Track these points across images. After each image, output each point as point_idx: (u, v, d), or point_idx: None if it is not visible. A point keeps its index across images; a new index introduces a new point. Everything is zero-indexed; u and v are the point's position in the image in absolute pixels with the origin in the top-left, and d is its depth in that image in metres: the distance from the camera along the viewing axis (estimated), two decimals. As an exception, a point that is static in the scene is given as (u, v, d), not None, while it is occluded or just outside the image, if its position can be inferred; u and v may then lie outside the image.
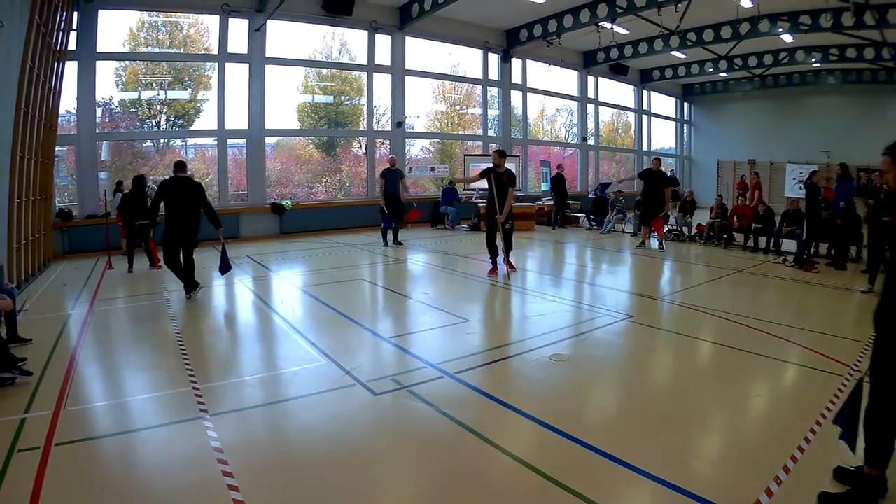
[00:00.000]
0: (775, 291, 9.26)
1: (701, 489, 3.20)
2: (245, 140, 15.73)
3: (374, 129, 18.38)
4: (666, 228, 14.04)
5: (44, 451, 3.61)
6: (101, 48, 13.28)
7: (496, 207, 9.52)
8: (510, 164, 11.60)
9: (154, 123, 15.14)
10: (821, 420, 4.07)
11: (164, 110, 15.20)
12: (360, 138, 18.61)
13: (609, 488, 3.31)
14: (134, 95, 14.75)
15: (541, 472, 3.39)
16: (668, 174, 14.92)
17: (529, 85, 22.48)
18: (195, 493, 3.22)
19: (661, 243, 13.21)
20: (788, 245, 12.05)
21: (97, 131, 13.67)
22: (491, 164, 9.75)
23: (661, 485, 3.24)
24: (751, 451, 3.73)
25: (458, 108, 21.60)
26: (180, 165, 8.27)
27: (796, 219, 11.91)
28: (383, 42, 17.92)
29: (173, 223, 7.91)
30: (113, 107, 14.47)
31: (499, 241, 9.76)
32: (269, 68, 15.74)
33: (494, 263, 9.90)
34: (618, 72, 25.29)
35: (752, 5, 15.12)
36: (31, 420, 4.12)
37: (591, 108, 25.25)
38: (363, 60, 17.78)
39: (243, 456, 3.61)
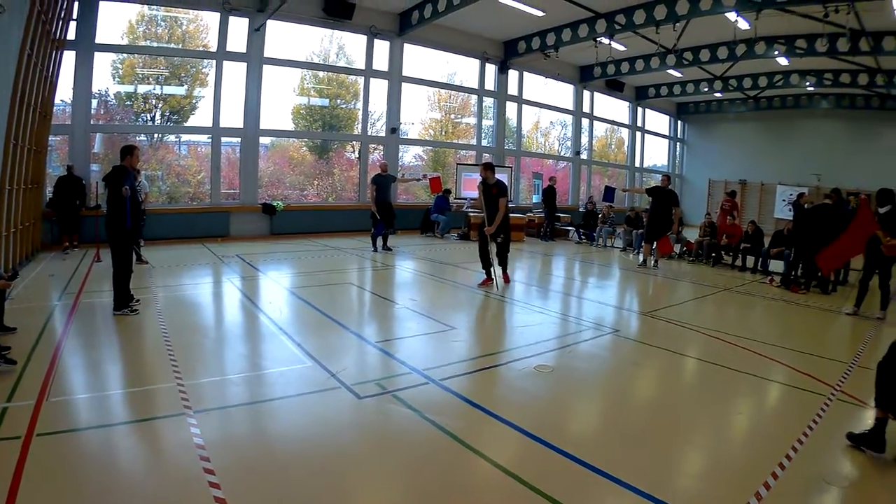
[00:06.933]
0: (761, 311, 9.33)
1: (682, 502, 3.24)
2: (239, 139, 15.67)
3: (369, 133, 18.40)
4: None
5: (25, 441, 3.60)
6: (99, 39, 13.21)
7: (486, 220, 9.58)
8: (501, 175, 11.58)
9: (149, 118, 15.08)
10: (803, 438, 4.12)
11: (160, 105, 15.12)
12: (354, 142, 18.58)
13: (591, 499, 3.34)
14: (130, 89, 14.67)
15: (523, 480, 3.40)
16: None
17: (525, 97, 22.54)
18: (176, 490, 3.21)
19: (656, 261, 12.99)
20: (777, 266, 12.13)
21: (91, 122, 13.58)
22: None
23: (643, 497, 3.27)
24: (733, 467, 3.77)
25: (452, 116, 21.61)
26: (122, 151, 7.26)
27: (787, 240, 11.95)
28: (381, 47, 17.94)
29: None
30: (108, 99, 14.39)
31: (493, 255, 9.76)
32: (266, 68, 15.71)
33: (488, 274, 9.83)
34: (613, 87, 25.50)
35: (749, 27, 15.24)
36: (14, 409, 4.10)
37: (585, 122, 25.36)
38: (360, 65, 17.79)
39: (225, 454, 3.61)
